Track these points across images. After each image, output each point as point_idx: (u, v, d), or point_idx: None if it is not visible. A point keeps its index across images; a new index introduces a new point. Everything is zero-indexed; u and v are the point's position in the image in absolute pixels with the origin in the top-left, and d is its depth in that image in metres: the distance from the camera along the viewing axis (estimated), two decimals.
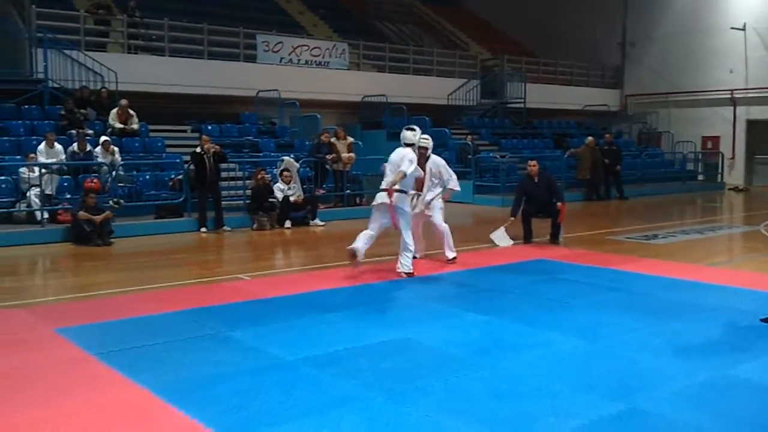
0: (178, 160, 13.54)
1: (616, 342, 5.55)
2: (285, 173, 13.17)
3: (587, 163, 18.15)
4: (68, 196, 11.93)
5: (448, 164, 9.47)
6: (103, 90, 15.32)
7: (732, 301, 6.81)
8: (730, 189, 22.20)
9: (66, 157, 12.48)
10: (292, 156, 14.11)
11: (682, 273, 8.31)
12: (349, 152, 14.94)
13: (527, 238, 10.63)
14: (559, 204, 10.44)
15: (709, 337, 5.65)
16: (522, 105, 22.61)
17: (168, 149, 14.67)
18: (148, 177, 13.27)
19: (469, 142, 18.74)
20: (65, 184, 12.20)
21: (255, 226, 12.54)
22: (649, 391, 4.43)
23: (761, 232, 12.22)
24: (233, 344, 5.46)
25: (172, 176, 13.20)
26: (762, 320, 5.49)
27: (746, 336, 5.52)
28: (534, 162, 10.81)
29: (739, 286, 7.48)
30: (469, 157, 17.99)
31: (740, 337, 5.52)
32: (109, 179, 12.28)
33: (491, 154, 18.94)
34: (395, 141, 19.92)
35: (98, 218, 10.76)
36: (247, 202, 12.99)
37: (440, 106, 21.39)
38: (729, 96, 23.44)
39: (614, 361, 5.09)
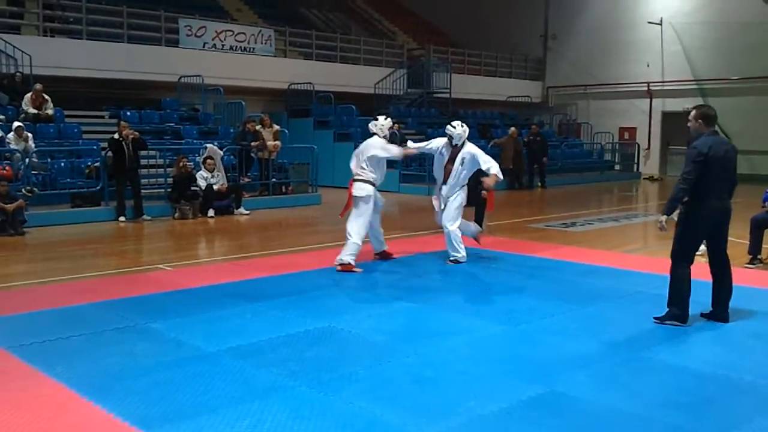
0: (95, 147, 13.10)
1: (536, 327, 5.69)
2: (208, 161, 12.92)
3: (510, 152, 18.51)
4: None
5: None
6: (17, 74, 14.66)
7: (646, 286, 7.06)
8: (645, 178, 23.07)
9: None
10: (215, 143, 13.86)
11: (599, 260, 8.59)
12: (275, 140, 14.78)
13: None
14: (484, 192, 10.58)
15: (625, 321, 5.86)
16: (448, 95, 22.83)
17: (85, 136, 14.17)
18: (63, 164, 12.79)
19: (396, 131, 18.73)
20: None
21: (177, 215, 12.27)
22: (567, 374, 4.56)
23: (674, 220, 12.70)
24: (153, 336, 5.34)
25: (89, 164, 12.77)
26: (655, 319, 5.70)
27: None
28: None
29: (652, 272, 7.76)
30: (399, 145, 17.99)
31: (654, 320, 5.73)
32: (22, 167, 11.77)
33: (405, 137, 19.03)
34: (322, 129, 20.04)
35: (10, 207, 10.31)
36: (168, 190, 12.69)
37: (367, 95, 21.36)
38: (646, 89, 24.29)
39: (534, 345, 5.22)
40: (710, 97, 22.66)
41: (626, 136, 24.97)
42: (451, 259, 8.22)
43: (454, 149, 8.27)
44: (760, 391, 4.32)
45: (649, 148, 24.49)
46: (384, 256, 8.41)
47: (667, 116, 24.21)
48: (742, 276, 7.55)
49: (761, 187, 8.13)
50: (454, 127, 8.31)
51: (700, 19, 22.92)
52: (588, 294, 6.77)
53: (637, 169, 24.08)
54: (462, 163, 8.17)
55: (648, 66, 24.17)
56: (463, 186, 8.31)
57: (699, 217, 5.59)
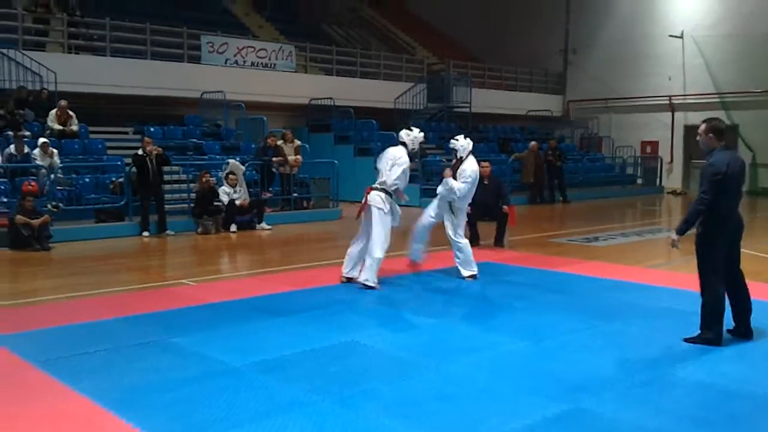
0: (119, 163, 13.25)
1: (560, 343, 5.65)
2: (230, 176, 13.01)
3: (531, 167, 18.47)
4: (5, 199, 11.54)
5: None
6: (43, 91, 14.89)
7: (670, 302, 7.00)
8: (668, 192, 22.87)
9: (3, 160, 12.09)
10: (237, 159, 13.96)
11: (623, 275, 8.52)
12: (296, 155, 14.86)
13: (473, 241, 10.71)
14: (505, 207, 10.59)
15: (649, 337, 5.81)
16: (468, 109, 22.83)
17: (109, 151, 14.34)
18: (88, 180, 12.93)
19: (417, 148, 18.78)
20: (2, 187, 11.82)
21: (199, 230, 12.35)
22: (592, 391, 4.52)
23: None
24: (177, 351, 5.37)
25: (113, 179, 12.91)
26: (686, 341, 5.58)
27: (684, 335, 5.67)
28: (486, 163, 10.98)
29: (677, 287, 7.70)
30: (416, 161, 18.07)
31: (679, 337, 5.67)
32: (48, 182, 11.93)
33: (438, 158, 19.07)
34: (343, 144, 20.10)
35: (36, 222, 10.46)
36: (192, 205, 12.80)
37: (387, 109, 21.43)
38: (667, 102, 24.13)
39: (557, 362, 5.18)
40: (732, 111, 22.51)
41: (648, 149, 24.79)
42: (467, 275, 8.14)
43: (458, 162, 8.36)
44: None
45: (672, 162, 24.29)
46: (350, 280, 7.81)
47: (689, 130, 23.96)
48: None
49: None
50: (457, 140, 8.45)
51: (722, 32, 22.76)
52: (611, 310, 6.71)
53: (660, 183, 23.87)
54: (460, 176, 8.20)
55: (670, 79, 24.01)
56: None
57: (718, 233, 5.47)
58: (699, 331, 5.55)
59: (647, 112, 24.62)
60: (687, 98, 23.67)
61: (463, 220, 8.34)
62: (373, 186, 7.71)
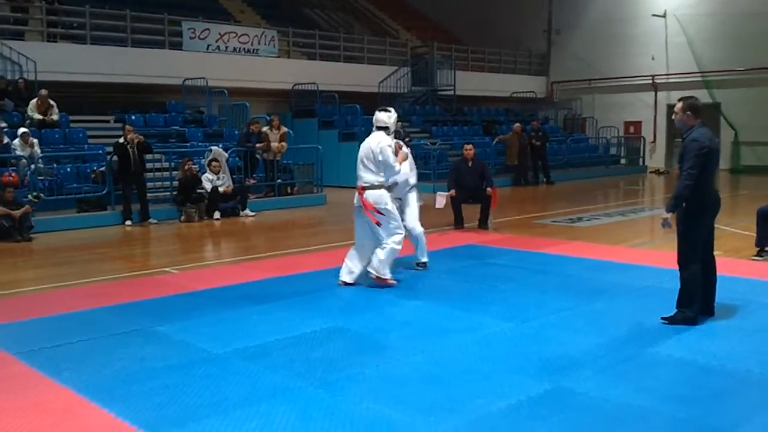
0: (100, 152, 13.11)
1: (544, 323, 5.67)
2: (213, 163, 12.93)
3: (515, 149, 18.48)
4: None
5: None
6: (21, 80, 14.70)
7: (653, 280, 7.05)
8: (651, 172, 22.99)
9: None
10: (220, 146, 13.87)
11: (606, 254, 8.56)
12: (281, 142, 14.77)
13: (457, 223, 10.76)
14: (489, 189, 10.60)
15: (632, 315, 5.84)
16: (452, 92, 22.80)
17: (90, 140, 14.19)
18: (69, 169, 12.80)
19: (401, 130, 18.70)
20: None
21: (183, 218, 12.29)
22: (575, 370, 4.54)
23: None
24: (160, 339, 5.34)
25: (95, 168, 12.79)
26: (663, 320, 5.57)
27: (667, 313, 5.71)
28: (470, 146, 11.00)
29: (659, 266, 7.74)
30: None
31: (661, 315, 5.70)
32: (28, 172, 11.80)
33: (422, 142, 19.04)
34: (327, 129, 20.02)
35: (17, 213, 10.35)
36: (174, 193, 12.72)
37: (372, 93, 21.33)
38: (650, 82, 24.20)
39: (542, 341, 5.20)
40: (715, 89, 22.61)
41: (632, 129, 24.89)
42: (422, 261, 7.73)
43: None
44: (764, 385, 4.30)
45: (654, 142, 24.39)
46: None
47: (672, 109, 24.01)
48: (750, 269, 7.54)
49: (766, 178, 8.07)
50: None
51: (704, 11, 22.82)
52: (595, 289, 6.75)
53: (643, 162, 23.99)
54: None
55: (653, 59, 24.08)
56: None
57: (702, 210, 5.46)
58: (676, 310, 5.55)
59: (630, 92, 24.69)
60: (670, 77, 23.75)
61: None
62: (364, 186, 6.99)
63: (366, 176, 6.99)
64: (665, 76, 23.88)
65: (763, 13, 21.22)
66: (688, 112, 5.51)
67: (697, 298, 5.50)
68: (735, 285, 6.56)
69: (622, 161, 24.46)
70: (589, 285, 6.93)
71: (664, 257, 8.35)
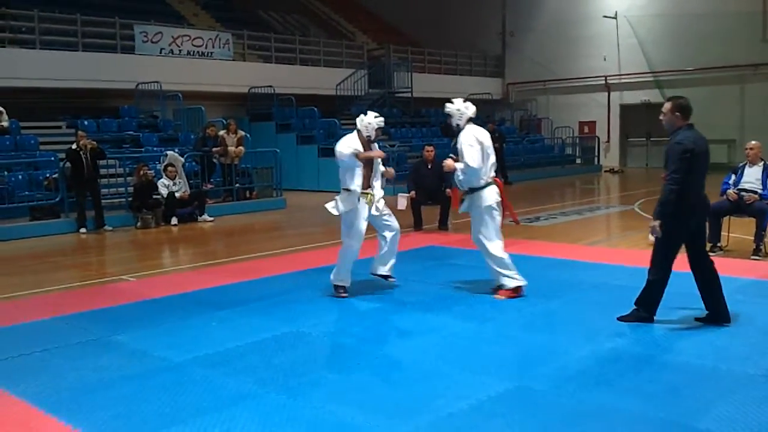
0: (53, 158, 12.84)
1: (504, 322, 5.73)
2: (169, 168, 12.77)
3: None
4: None
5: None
6: None
7: (610, 278, 7.17)
8: (606, 171, 23.40)
9: None
10: (176, 150, 13.70)
11: (564, 253, 8.69)
12: (239, 146, 14.65)
13: (417, 225, 10.81)
14: (448, 190, 10.65)
15: (590, 313, 5.94)
16: (409, 94, 22.89)
17: (42, 147, 13.89)
18: (21, 177, 12.53)
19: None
20: None
21: (139, 224, 12.11)
22: (533, 369, 4.60)
23: (635, 211, 12.94)
24: (118, 348, 5.26)
25: (47, 175, 12.53)
26: (619, 319, 5.53)
27: (623, 310, 5.82)
28: (431, 148, 11.09)
29: (616, 263, 7.89)
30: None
31: (618, 311, 5.81)
32: None
33: (381, 144, 19.04)
34: (285, 132, 19.89)
35: None
36: (130, 199, 12.52)
37: (329, 96, 21.32)
38: (603, 82, 24.63)
39: (502, 341, 5.26)
40: (666, 89, 23.10)
41: (586, 129, 25.30)
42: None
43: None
44: (721, 378, 4.41)
45: (608, 141, 24.84)
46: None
47: (625, 109, 24.58)
48: None
49: (715, 175, 8.21)
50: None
51: (654, 12, 23.32)
52: (554, 288, 6.84)
53: (598, 162, 24.42)
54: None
55: (605, 60, 24.51)
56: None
57: (687, 214, 5.22)
58: (633, 308, 5.53)
59: (584, 92, 25.10)
60: (622, 78, 24.20)
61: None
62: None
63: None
64: (617, 77, 24.33)
65: (711, 14, 21.77)
66: (677, 113, 5.26)
67: (654, 301, 5.41)
68: (689, 281, 6.69)
69: (578, 161, 24.85)
70: (547, 283, 7.01)
71: (620, 255, 8.53)
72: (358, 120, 6.85)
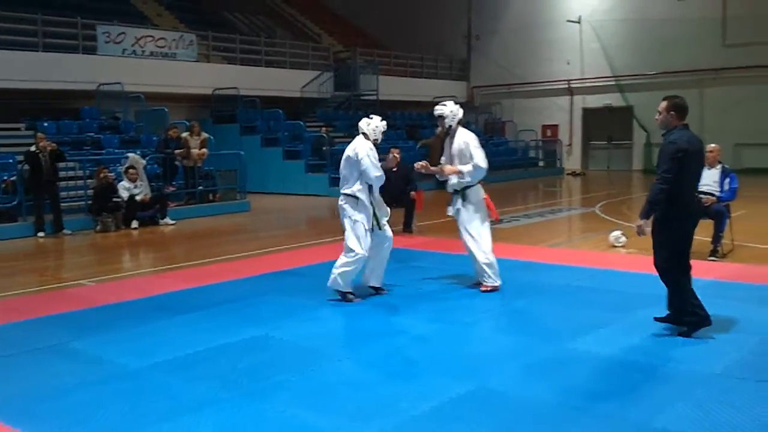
0: (11, 161, 12.54)
1: (467, 324, 5.76)
2: (130, 171, 12.58)
3: (438, 153, 18.63)
4: None
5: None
6: None
7: (571, 279, 7.24)
8: (568, 174, 23.71)
9: None
10: (138, 152, 13.49)
11: (527, 255, 8.76)
12: (202, 148, 14.49)
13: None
14: (413, 193, 10.68)
15: (551, 313, 5.99)
16: (375, 97, 22.91)
17: (0, 149, 13.59)
18: None
19: (324, 135, 18.78)
20: None
21: (98, 227, 11.90)
22: (496, 369, 4.62)
23: (596, 213, 13.10)
24: (75, 355, 5.15)
25: (5, 178, 12.23)
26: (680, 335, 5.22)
27: (584, 311, 5.88)
28: (397, 150, 11.06)
29: (577, 264, 7.98)
30: (325, 149, 18.03)
31: (579, 312, 5.87)
32: None
33: (344, 146, 19.03)
34: (249, 135, 19.76)
35: None
36: (89, 202, 12.30)
37: (294, 98, 21.24)
38: (566, 86, 24.95)
39: (465, 342, 5.28)
40: (628, 93, 23.50)
41: (549, 133, 25.61)
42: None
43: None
44: (680, 377, 4.47)
45: (571, 144, 25.14)
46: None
47: (587, 112, 24.92)
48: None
49: None
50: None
51: (617, 17, 23.69)
52: (516, 289, 6.87)
53: (560, 164, 24.71)
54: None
55: (568, 64, 24.83)
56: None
57: (682, 217, 5.11)
58: (685, 327, 5.23)
59: (547, 96, 25.40)
60: (585, 82, 24.54)
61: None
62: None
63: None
64: (580, 81, 24.66)
65: (672, 19, 22.19)
66: (672, 112, 5.14)
67: (697, 306, 5.15)
68: (648, 281, 6.78)
69: (541, 164, 25.14)
70: (510, 285, 7.04)
71: (581, 256, 8.62)
72: (363, 124, 6.88)
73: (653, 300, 6.02)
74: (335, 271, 6.48)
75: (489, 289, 6.72)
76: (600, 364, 4.75)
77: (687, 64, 21.74)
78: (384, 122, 6.90)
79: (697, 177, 5.28)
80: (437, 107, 6.91)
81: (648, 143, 23.09)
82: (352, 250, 6.46)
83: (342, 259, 6.50)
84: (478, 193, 6.90)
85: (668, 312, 5.47)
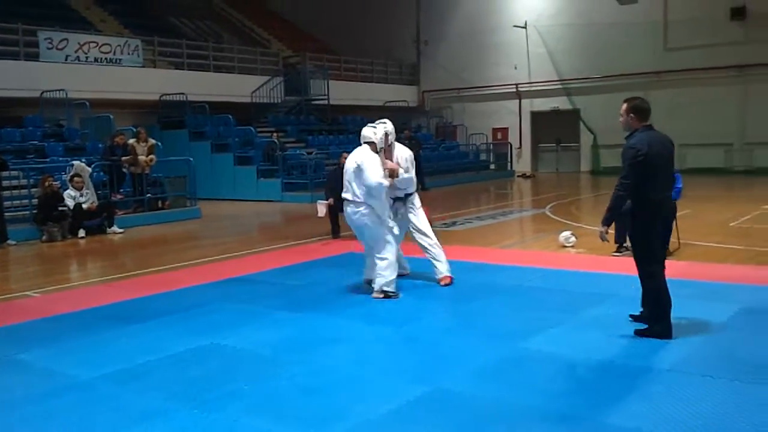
0: None
1: (421, 326, 5.77)
2: (76, 179, 12.29)
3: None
4: None
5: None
6: None
7: (523, 279, 7.33)
8: (519, 176, 24.01)
9: None
10: (83, 160, 13.19)
11: (480, 256, 8.83)
12: (149, 154, 14.24)
13: (335, 233, 10.76)
14: None
15: (504, 314, 6.04)
16: (326, 102, 22.86)
17: None
18: None
19: (276, 140, 18.67)
20: None
21: (44, 237, 11.59)
22: (451, 371, 4.64)
23: (547, 214, 13.30)
24: (22, 368, 5.00)
25: None
26: (637, 333, 5.20)
27: (536, 311, 5.95)
28: (347, 154, 11.01)
29: (528, 265, 8.07)
30: (276, 154, 17.93)
31: (531, 312, 5.94)
32: None
33: (298, 151, 18.97)
34: (198, 141, 19.51)
35: None
36: (34, 212, 11.97)
37: (244, 104, 21.04)
38: (515, 90, 25.28)
39: (419, 344, 5.29)
40: (575, 96, 23.94)
41: (499, 136, 25.91)
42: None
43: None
44: (631, 373, 4.55)
45: (520, 147, 25.49)
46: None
47: (536, 116, 25.30)
48: (612, 264, 7.99)
49: None
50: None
51: (562, 22, 24.11)
52: (469, 291, 6.93)
53: (511, 167, 25.03)
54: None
55: (516, 68, 25.17)
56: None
57: (651, 218, 5.07)
58: (647, 325, 5.22)
59: (496, 100, 25.70)
60: (533, 86, 24.90)
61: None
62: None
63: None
64: (528, 84, 25.02)
65: (616, 24, 22.69)
66: (632, 114, 5.08)
67: (666, 310, 5.11)
68: (598, 280, 6.93)
69: (492, 166, 25.42)
70: (464, 287, 7.10)
71: (532, 257, 8.73)
72: (369, 132, 6.90)
73: (602, 298, 6.14)
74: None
75: (450, 280, 7.13)
76: (553, 363, 4.81)
77: (631, 67, 22.24)
78: (390, 124, 7.14)
79: (667, 177, 5.14)
80: (364, 132, 6.98)
81: (595, 145, 23.56)
82: (384, 259, 6.75)
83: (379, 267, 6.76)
84: (418, 199, 7.52)
85: (641, 310, 5.47)
